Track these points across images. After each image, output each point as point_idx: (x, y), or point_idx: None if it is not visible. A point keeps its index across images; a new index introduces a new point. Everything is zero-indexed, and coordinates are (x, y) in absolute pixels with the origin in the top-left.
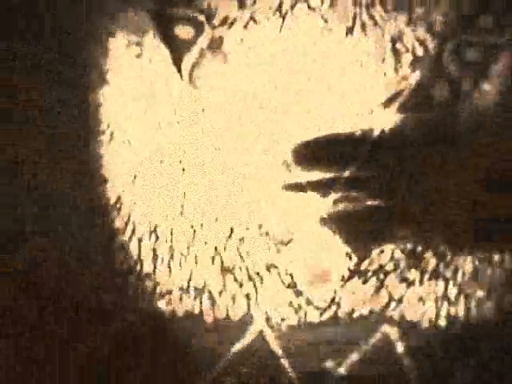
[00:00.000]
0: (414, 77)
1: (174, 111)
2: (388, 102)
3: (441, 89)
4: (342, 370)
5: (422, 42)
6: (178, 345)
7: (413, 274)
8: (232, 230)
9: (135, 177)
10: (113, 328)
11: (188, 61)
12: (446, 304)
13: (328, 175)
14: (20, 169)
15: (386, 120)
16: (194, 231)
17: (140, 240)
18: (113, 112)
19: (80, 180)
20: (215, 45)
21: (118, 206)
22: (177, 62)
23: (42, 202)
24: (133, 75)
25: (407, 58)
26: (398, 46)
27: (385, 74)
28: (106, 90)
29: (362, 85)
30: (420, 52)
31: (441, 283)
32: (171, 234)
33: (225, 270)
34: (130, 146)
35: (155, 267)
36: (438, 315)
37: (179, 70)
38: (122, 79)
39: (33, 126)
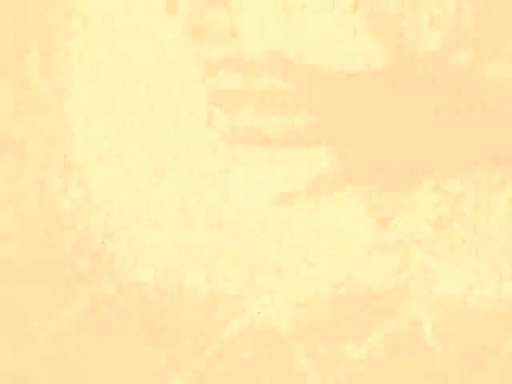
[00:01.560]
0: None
1: (170, 62)
2: None
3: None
4: (360, 354)
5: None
6: (162, 322)
7: (441, 246)
8: (234, 184)
9: (119, 129)
10: (87, 299)
11: (184, 7)
12: (477, 280)
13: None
14: None
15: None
16: (189, 186)
17: (123, 200)
18: (97, 60)
19: (56, 135)
20: None
21: (97, 161)
22: (172, 6)
23: (16, 160)
24: (120, 22)
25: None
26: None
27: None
28: (89, 37)
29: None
30: (439, 11)
31: (471, 257)
32: (161, 193)
33: (223, 232)
34: (115, 96)
35: (140, 231)
36: (468, 292)
37: (174, 17)
38: (106, 25)
39: (4, 79)
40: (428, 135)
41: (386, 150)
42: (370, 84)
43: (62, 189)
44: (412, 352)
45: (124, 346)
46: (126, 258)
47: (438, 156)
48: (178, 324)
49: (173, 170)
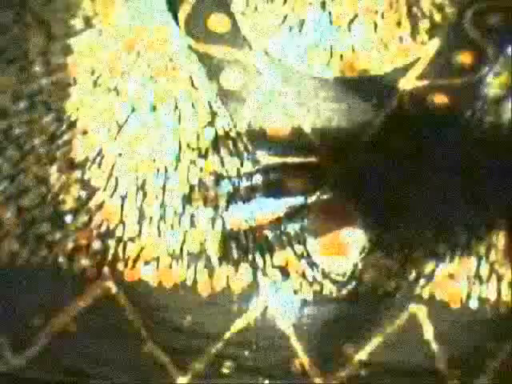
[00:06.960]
0: (433, 44)
1: (170, 59)
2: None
3: (463, 55)
4: (362, 355)
5: (440, 9)
6: (166, 322)
7: (442, 249)
8: (236, 187)
9: (121, 126)
10: (89, 299)
11: (186, 6)
12: (477, 284)
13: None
14: None
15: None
16: (191, 187)
17: (123, 198)
18: (98, 58)
19: (57, 133)
20: None
21: (98, 159)
22: (173, 7)
23: (16, 158)
24: (122, 20)
25: (425, 24)
26: (415, 10)
27: (400, 39)
28: (91, 36)
29: (377, 46)
30: (438, 18)
31: (473, 260)
32: (163, 189)
33: (227, 234)
34: (116, 93)
35: (141, 229)
36: (469, 296)
37: (175, 17)
38: (109, 24)
39: (7, 77)
40: None
41: None
42: None
43: (64, 187)
44: (413, 354)
45: (126, 345)
46: (128, 256)
47: None
48: (182, 323)
49: (175, 169)
